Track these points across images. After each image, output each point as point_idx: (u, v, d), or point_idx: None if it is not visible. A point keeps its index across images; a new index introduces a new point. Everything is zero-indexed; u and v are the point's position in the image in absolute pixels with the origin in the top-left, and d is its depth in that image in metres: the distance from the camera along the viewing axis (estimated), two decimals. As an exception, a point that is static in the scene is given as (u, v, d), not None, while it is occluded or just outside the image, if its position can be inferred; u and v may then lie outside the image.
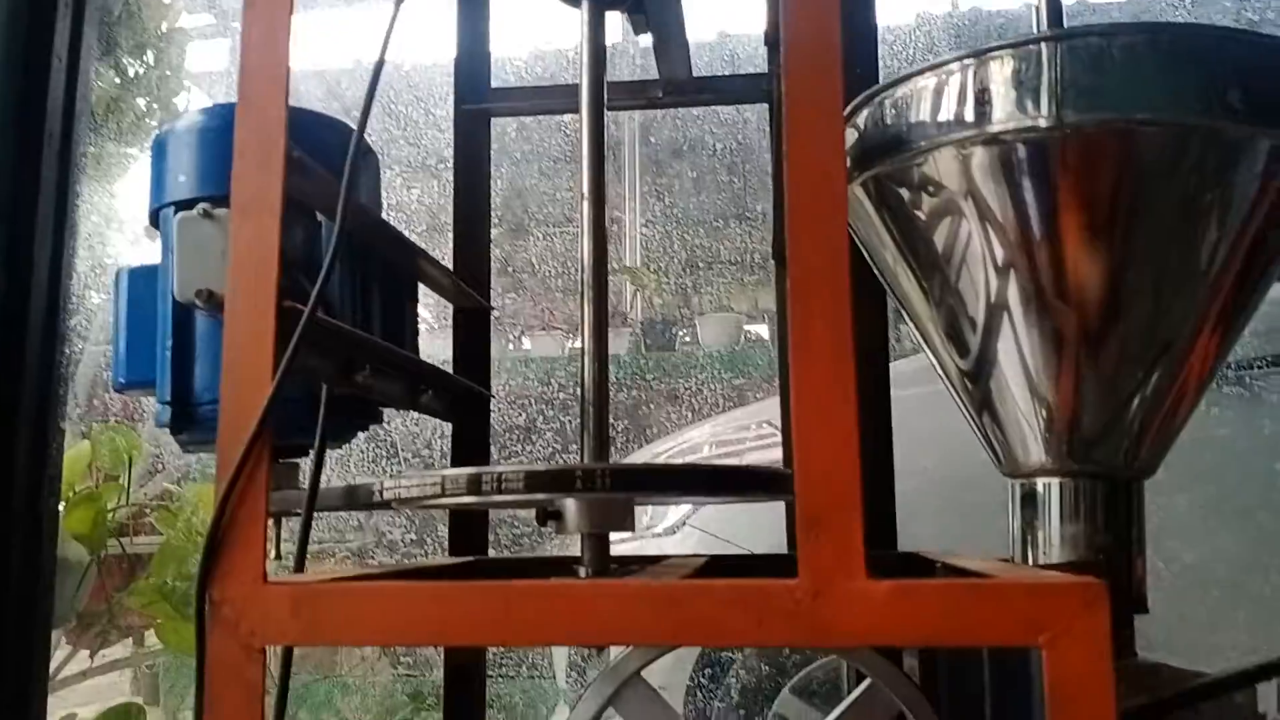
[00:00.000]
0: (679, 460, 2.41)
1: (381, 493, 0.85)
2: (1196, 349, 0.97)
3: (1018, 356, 0.97)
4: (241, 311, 0.72)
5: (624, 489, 0.79)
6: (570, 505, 0.92)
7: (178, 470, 2.51)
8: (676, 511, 2.31)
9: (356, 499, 0.87)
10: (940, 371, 1.09)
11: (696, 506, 2.30)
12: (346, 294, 0.98)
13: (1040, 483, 0.91)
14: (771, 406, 2.24)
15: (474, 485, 0.80)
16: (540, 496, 0.80)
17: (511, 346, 4.15)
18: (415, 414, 2.54)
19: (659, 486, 0.80)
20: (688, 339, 3.95)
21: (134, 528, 2.40)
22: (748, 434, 2.49)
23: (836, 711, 1.10)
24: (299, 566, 0.87)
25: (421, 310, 1.22)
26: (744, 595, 0.66)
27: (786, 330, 0.69)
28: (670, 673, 2.05)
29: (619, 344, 3.94)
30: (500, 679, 2.28)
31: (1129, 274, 0.94)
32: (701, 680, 2.02)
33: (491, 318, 1.40)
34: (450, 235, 1.37)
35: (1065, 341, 0.95)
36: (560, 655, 2.39)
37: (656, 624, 0.66)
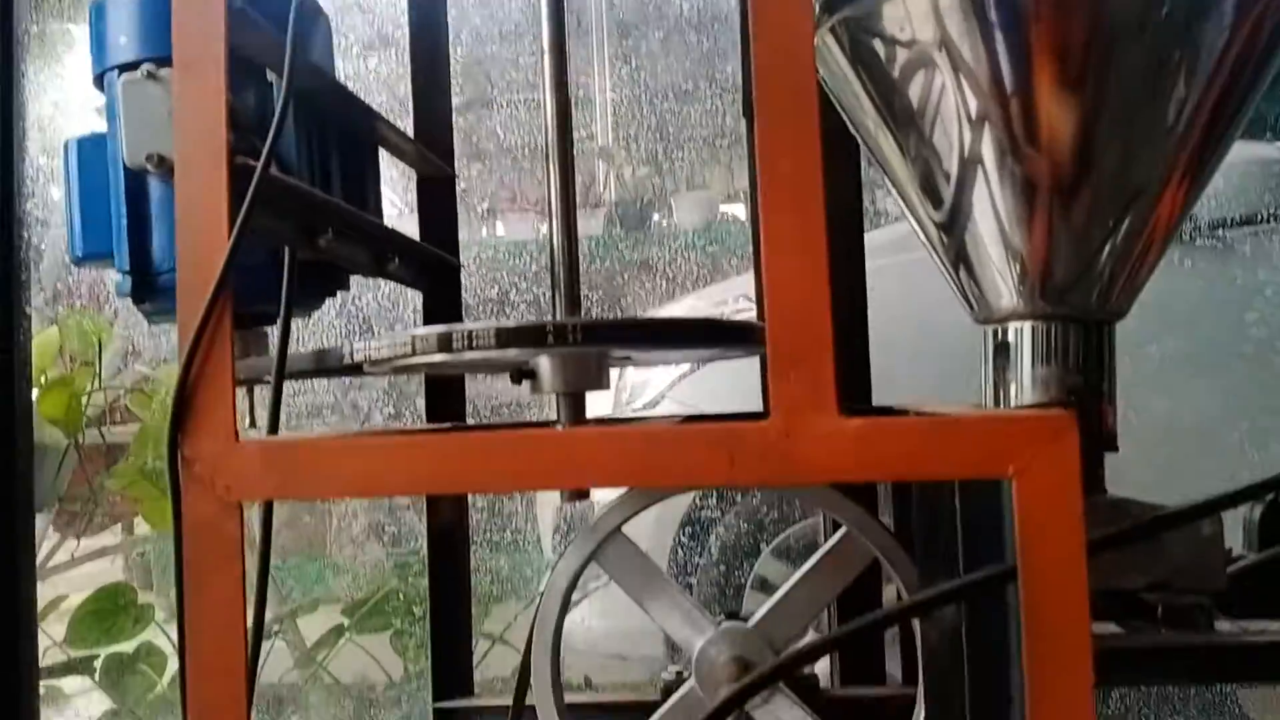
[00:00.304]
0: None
1: (352, 354, 0.84)
2: (1165, 198, 0.98)
3: (991, 206, 0.97)
4: (192, 169, 0.71)
5: (596, 342, 0.78)
6: (544, 363, 0.91)
7: (151, 356, 2.49)
8: (655, 386, 2.32)
9: (327, 362, 0.86)
10: (916, 226, 1.09)
11: (675, 381, 2.32)
12: (303, 157, 0.95)
13: (1013, 327, 0.92)
14: (746, 281, 2.24)
15: (445, 343, 0.79)
16: (512, 353, 0.80)
17: (485, 231, 4.10)
18: (388, 290, 2.52)
19: (630, 339, 0.80)
20: (664, 223, 3.92)
21: (112, 415, 2.40)
22: (725, 309, 2.49)
23: (813, 559, 1.12)
24: (272, 431, 0.87)
25: (388, 194, 1.20)
26: (717, 436, 0.67)
27: (757, 184, 0.68)
28: (653, 537, 2.10)
29: (593, 226, 3.91)
30: (484, 545, 2.32)
31: (1101, 120, 0.94)
32: (682, 539, 2.07)
33: (458, 190, 1.37)
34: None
35: (1038, 189, 0.95)
36: (546, 525, 2.44)
37: (632, 466, 0.67)
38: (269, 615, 2.28)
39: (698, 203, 3.90)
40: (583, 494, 0.94)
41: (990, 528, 0.80)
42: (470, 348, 0.78)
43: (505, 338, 0.77)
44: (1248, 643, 0.76)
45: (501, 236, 3.97)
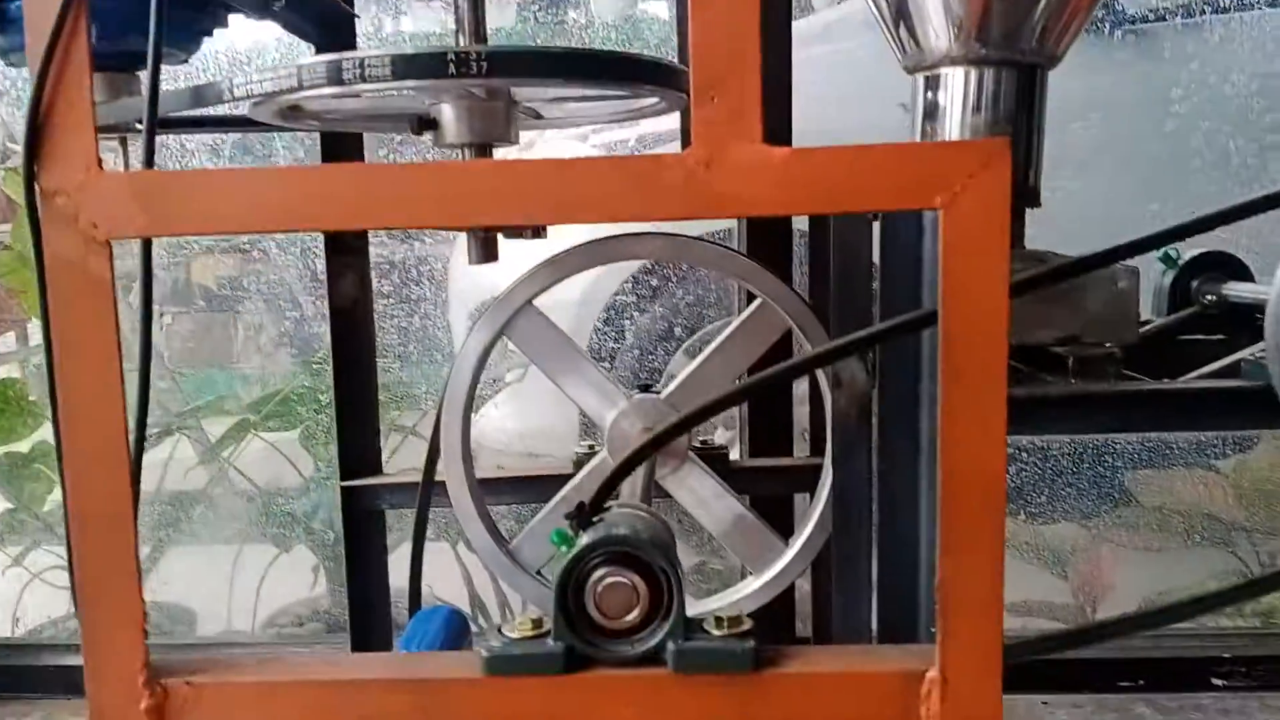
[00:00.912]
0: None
1: (232, 90, 0.76)
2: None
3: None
4: None
5: (502, 74, 0.72)
6: (447, 110, 0.85)
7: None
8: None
9: (205, 98, 0.78)
10: None
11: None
12: None
13: (945, 72, 0.88)
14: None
15: (335, 73, 0.72)
16: (409, 84, 0.73)
17: (389, 27, 3.86)
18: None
19: (541, 70, 0.74)
20: (581, 20, 3.74)
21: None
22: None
23: (727, 331, 1.11)
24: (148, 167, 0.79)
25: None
26: (634, 169, 0.62)
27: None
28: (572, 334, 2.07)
29: (504, 15, 3.71)
30: (392, 332, 2.27)
31: None
32: (598, 326, 2.04)
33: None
34: None
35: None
36: (458, 330, 2.39)
37: (541, 201, 0.62)
38: (171, 414, 2.22)
39: (616, -8, 3.73)
40: (492, 253, 0.90)
41: (906, 281, 0.78)
42: (363, 79, 0.71)
43: (401, 67, 0.71)
44: (1156, 390, 0.77)
45: (406, 31, 3.75)
